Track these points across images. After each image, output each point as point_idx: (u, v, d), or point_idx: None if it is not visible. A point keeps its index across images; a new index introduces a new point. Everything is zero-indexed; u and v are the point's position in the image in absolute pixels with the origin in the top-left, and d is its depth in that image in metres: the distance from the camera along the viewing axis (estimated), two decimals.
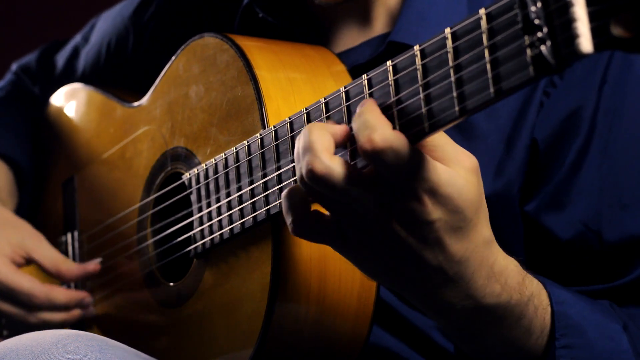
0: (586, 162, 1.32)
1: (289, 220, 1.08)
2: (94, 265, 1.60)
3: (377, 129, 1.00)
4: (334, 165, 1.02)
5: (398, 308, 1.41)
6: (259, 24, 1.51)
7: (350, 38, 1.46)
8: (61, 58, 1.90)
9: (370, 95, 1.11)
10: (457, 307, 1.10)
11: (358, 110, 1.04)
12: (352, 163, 1.06)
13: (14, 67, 1.95)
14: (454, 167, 1.04)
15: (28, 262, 1.64)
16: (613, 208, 1.31)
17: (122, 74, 1.76)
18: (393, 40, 1.39)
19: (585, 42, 0.89)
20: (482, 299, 1.10)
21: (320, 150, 1.02)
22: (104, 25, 1.82)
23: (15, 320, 1.63)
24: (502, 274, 1.11)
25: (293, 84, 1.32)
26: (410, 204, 1.02)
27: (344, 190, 1.02)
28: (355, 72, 1.39)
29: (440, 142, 1.05)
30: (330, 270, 1.26)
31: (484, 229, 1.08)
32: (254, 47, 1.35)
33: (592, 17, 0.89)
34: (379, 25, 1.45)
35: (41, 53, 1.93)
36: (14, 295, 1.60)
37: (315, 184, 1.03)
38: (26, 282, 1.59)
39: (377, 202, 1.03)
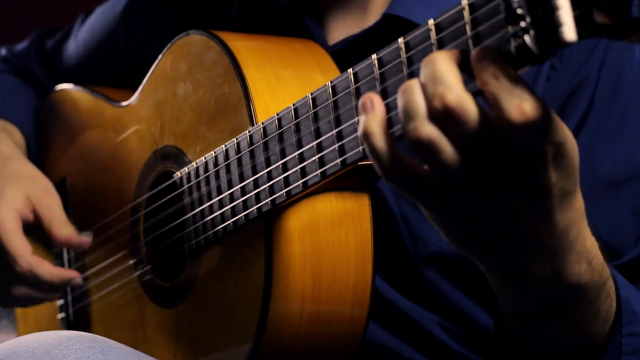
0: (579, 140, 1.31)
1: (377, 163, 0.99)
2: (83, 238, 1.57)
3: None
4: (467, 98, 0.93)
5: (397, 303, 1.40)
6: (258, 10, 1.50)
7: (350, 26, 1.45)
8: (51, 49, 1.89)
9: (357, 89, 1.10)
10: (540, 282, 1.04)
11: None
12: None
13: (4, 51, 1.94)
14: None
15: (34, 217, 1.61)
16: (601, 188, 1.30)
17: (113, 70, 1.76)
18: (389, 13, 1.38)
19: (569, 31, 0.88)
20: (568, 276, 1.04)
21: (453, 81, 0.94)
22: (95, 20, 1.81)
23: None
24: (590, 252, 1.05)
25: (280, 79, 1.32)
26: (533, 165, 0.95)
27: (471, 131, 0.93)
28: (350, 47, 1.40)
29: None
30: (324, 265, 1.26)
31: (581, 197, 1.02)
32: (240, 44, 1.34)
33: (575, 5, 0.88)
34: (378, 13, 1.44)
35: (32, 40, 1.92)
36: (3, 253, 1.57)
37: (445, 117, 0.94)
38: (17, 245, 1.56)
39: (498, 157, 0.95)
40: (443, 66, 0.94)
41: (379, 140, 0.98)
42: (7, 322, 2.39)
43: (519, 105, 0.92)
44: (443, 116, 0.94)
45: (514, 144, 0.95)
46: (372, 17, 1.44)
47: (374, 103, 1.00)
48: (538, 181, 0.97)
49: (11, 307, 1.68)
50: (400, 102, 0.97)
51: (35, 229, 1.66)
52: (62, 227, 1.59)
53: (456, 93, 0.93)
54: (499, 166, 0.96)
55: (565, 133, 0.97)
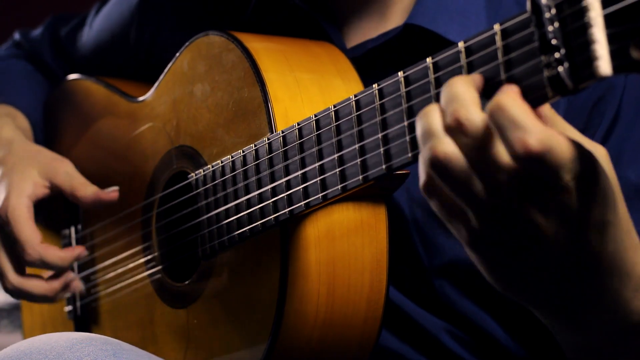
0: (607, 148, 1.31)
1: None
2: (111, 193, 1.53)
3: (531, 132, 0.91)
4: (480, 117, 0.93)
5: (406, 309, 1.40)
6: (274, 10, 1.48)
7: (368, 30, 1.44)
8: (65, 37, 1.87)
9: (382, 105, 1.09)
10: (597, 324, 1.05)
11: (499, 103, 0.92)
12: None
13: (17, 35, 1.92)
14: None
15: (53, 189, 1.58)
16: (632, 195, 1.30)
17: (125, 61, 1.74)
18: (410, 22, 1.36)
19: (604, 65, 0.87)
20: (630, 314, 1.04)
21: (468, 99, 0.94)
22: (110, 10, 1.79)
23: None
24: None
25: (300, 84, 1.31)
26: (555, 193, 0.94)
27: (484, 149, 0.93)
28: (370, 55, 1.39)
29: (569, 130, 1.00)
30: (339, 274, 1.26)
31: (625, 228, 1.01)
32: (260, 47, 1.33)
33: (611, 39, 0.87)
34: (397, 17, 1.43)
35: (47, 26, 1.90)
36: (12, 240, 1.56)
37: (456, 135, 0.94)
38: (26, 234, 1.54)
39: (518, 183, 0.94)
40: (460, 86, 0.95)
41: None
42: (7, 322, 2.38)
43: (522, 138, 0.91)
44: (455, 131, 0.94)
45: (532, 172, 0.94)
46: (391, 21, 1.43)
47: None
48: (566, 212, 0.96)
49: (18, 299, 1.67)
50: (419, 126, 0.97)
51: (43, 215, 1.65)
52: (85, 187, 1.56)
53: (469, 109, 0.93)
54: (522, 192, 0.95)
55: (593, 161, 0.96)
